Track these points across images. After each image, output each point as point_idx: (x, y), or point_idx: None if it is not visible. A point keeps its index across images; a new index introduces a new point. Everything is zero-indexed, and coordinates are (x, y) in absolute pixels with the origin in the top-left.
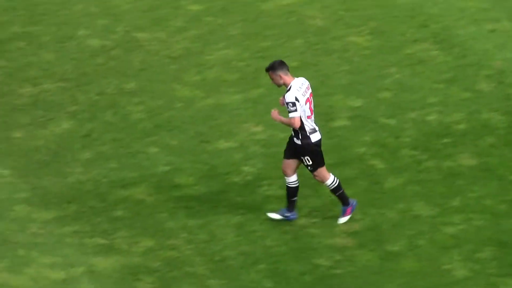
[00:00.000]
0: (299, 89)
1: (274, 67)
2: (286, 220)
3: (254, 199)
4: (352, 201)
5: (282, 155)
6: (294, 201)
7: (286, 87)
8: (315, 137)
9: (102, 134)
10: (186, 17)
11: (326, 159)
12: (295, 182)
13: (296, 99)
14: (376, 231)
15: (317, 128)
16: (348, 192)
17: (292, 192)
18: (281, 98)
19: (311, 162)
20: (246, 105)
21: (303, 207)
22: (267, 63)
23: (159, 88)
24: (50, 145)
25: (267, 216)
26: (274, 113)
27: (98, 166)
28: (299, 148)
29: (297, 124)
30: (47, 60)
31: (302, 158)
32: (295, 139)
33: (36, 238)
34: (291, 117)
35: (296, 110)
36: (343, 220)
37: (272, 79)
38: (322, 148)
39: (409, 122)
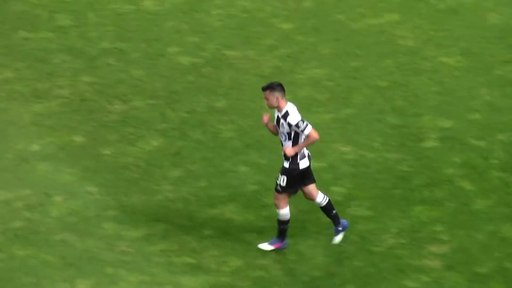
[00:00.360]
0: (295, 111)
1: (273, 87)
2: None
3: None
4: (286, 241)
5: (365, 177)
6: (335, 214)
7: (279, 111)
8: (303, 164)
9: (191, 153)
10: (277, 35)
11: (416, 179)
12: (325, 199)
13: (301, 117)
14: (465, 253)
15: (306, 153)
16: (436, 213)
17: (328, 209)
18: (265, 119)
19: (284, 184)
20: (335, 125)
21: (390, 228)
22: (357, 83)
23: (249, 106)
24: (139, 162)
25: (335, 241)
26: (287, 149)
27: (187, 185)
28: (284, 169)
29: (317, 135)
30: (137, 77)
31: (279, 176)
32: (284, 162)
33: (124, 256)
34: (307, 133)
35: (307, 124)
36: (265, 247)
37: (268, 99)
38: (411, 169)
39: (498, 144)
